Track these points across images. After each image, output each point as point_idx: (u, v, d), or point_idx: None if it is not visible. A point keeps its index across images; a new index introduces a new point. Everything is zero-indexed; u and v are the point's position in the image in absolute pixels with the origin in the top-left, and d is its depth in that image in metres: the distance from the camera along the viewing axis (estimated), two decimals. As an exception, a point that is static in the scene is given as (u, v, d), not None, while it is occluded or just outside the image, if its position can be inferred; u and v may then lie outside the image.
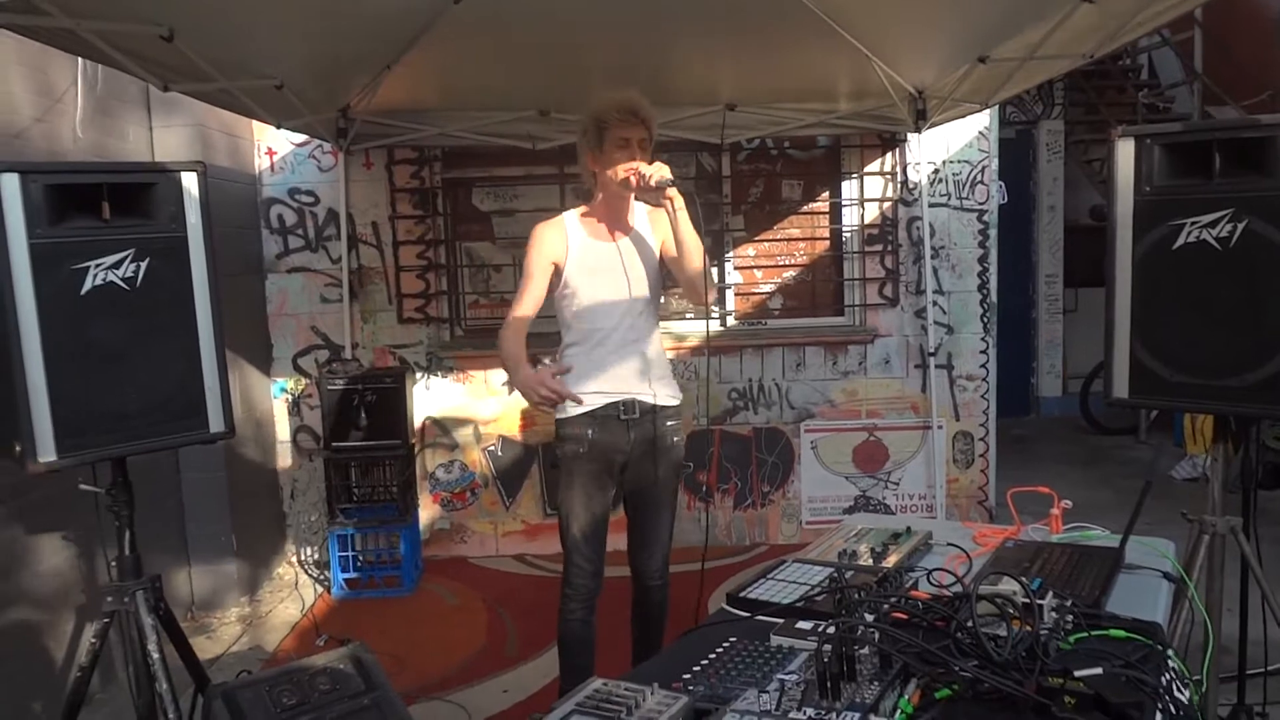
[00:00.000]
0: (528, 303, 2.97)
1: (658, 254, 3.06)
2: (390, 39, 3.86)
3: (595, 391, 2.95)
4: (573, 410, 2.93)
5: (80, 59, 3.60)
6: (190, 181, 2.47)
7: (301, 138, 4.98)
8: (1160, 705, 1.41)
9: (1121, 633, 1.62)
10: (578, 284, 2.98)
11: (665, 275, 3.12)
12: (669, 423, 3.06)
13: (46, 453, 2.26)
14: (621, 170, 2.87)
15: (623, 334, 2.98)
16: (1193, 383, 2.33)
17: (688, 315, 5.46)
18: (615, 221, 3.04)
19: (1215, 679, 2.47)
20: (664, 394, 3.04)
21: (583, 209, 3.09)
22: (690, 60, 4.33)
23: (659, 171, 2.79)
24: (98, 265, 2.32)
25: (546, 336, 3.32)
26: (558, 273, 2.99)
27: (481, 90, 4.60)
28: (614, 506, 3.12)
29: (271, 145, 5.10)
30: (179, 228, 2.46)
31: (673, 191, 2.80)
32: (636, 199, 3.01)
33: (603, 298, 2.98)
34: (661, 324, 3.23)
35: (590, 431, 2.95)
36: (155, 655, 2.43)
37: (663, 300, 3.24)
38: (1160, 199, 2.33)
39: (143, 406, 2.41)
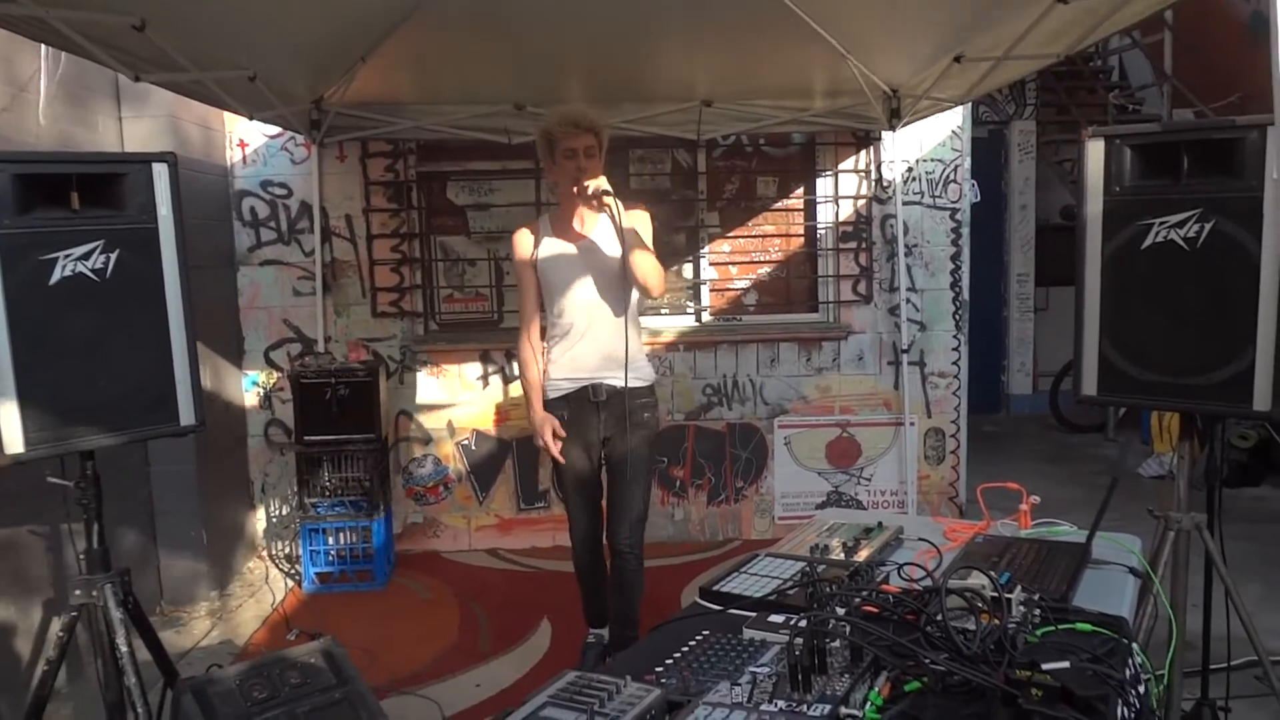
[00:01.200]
0: (527, 307, 3.40)
1: (620, 252, 3.24)
2: (365, 31, 3.83)
3: (567, 378, 3.35)
4: (552, 394, 3.36)
5: (46, 47, 3.55)
6: (161, 172, 2.45)
7: (274, 129, 4.93)
8: (1124, 698, 1.43)
9: (1088, 627, 1.63)
10: (547, 280, 3.34)
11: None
12: (638, 401, 3.33)
13: (14, 445, 2.24)
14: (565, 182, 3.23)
15: (591, 325, 3.30)
16: (1160, 381, 2.37)
17: (663, 310, 5.48)
18: (576, 224, 3.35)
19: (1179, 673, 2.51)
20: (632, 377, 3.29)
21: (553, 213, 3.44)
22: (667, 56, 4.33)
23: (595, 183, 3.12)
24: (66, 256, 2.30)
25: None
26: (534, 269, 3.32)
27: (457, 84, 4.58)
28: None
29: (243, 137, 5.05)
30: (149, 219, 2.44)
31: (609, 199, 3.10)
32: (584, 205, 3.25)
33: (568, 293, 3.31)
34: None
35: (565, 414, 3.34)
36: (124, 649, 2.41)
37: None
38: (1129, 199, 2.37)
39: (112, 399, 2.39)
